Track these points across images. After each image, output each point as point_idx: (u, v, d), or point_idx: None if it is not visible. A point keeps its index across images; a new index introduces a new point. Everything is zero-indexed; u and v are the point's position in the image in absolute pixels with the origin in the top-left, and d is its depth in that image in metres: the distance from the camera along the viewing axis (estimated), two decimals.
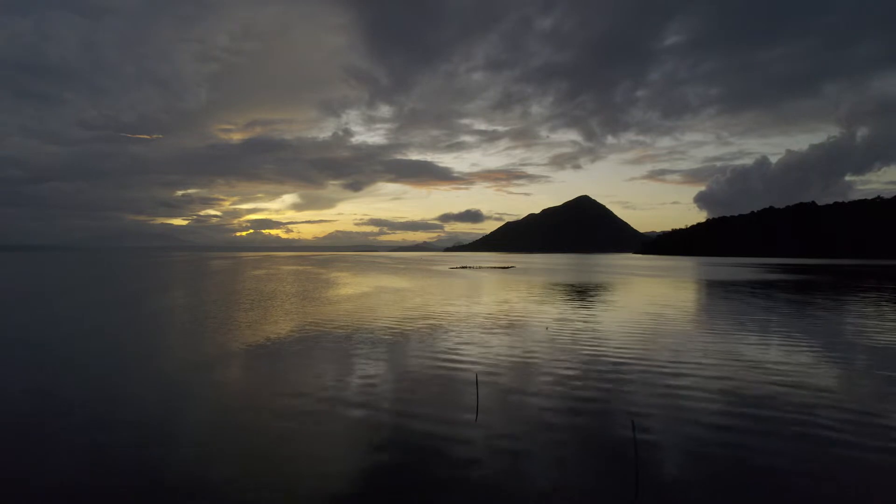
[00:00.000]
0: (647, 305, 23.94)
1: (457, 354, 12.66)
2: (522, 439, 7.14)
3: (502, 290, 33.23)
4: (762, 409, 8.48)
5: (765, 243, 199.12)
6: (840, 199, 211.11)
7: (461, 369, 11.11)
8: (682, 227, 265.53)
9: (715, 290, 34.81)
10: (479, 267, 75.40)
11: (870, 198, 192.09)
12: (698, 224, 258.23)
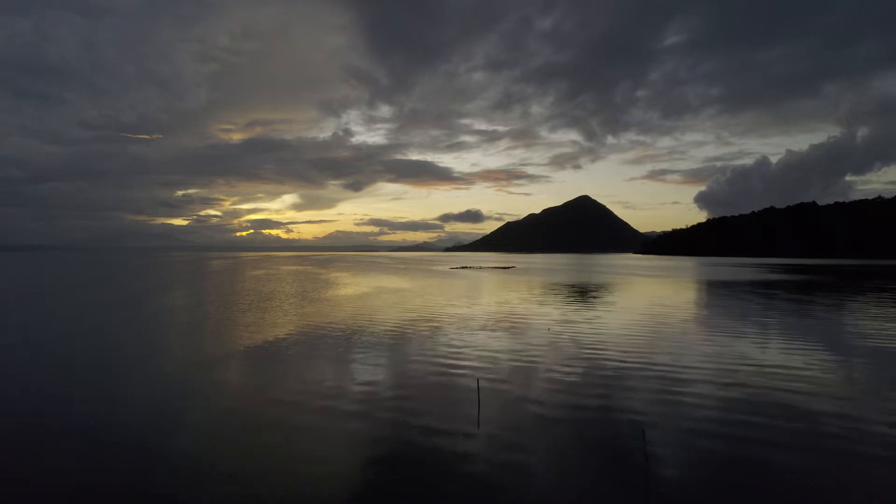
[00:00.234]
0: (649, 306, 23.86)
1: (458, 357, 12.42)
2: (526, 447, 6.89)
3: (503, 291, 33.22)
4: (770, 414, 8.38)
5: (765, 243, 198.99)
6: (840, 200, 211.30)
7: (462, 373, 10.84)
8: (683, 227, 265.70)
9: (717, 290, 34.79)
10: (480, 267, 75.37)
11: (870, 198, 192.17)
12: (698, 224, 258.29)
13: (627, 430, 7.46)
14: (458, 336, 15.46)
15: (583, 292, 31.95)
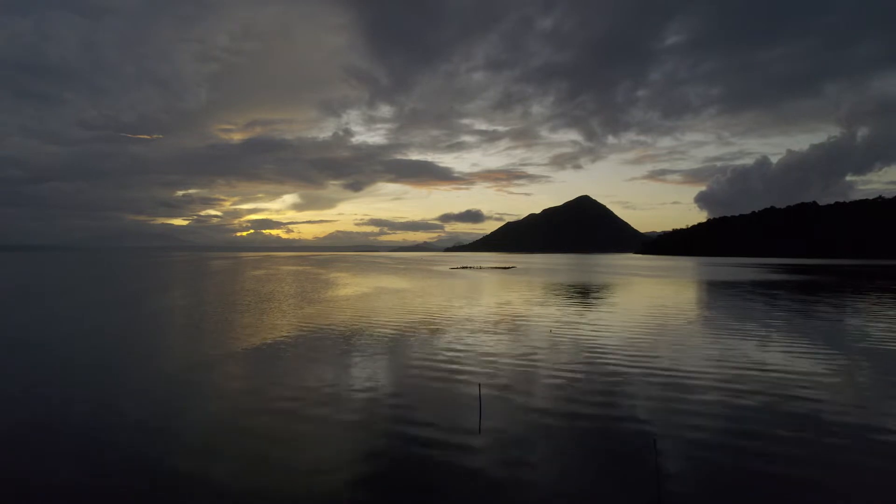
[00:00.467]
0: (651, 307, 23.75)
1: (458, 360, 12.19)
2: (529, 454, 6.66)
3: (504, 291, 33.20)
4: (781, 418, 8.33)
5: (765, 243, 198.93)
6: (841, 200, 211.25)
7: (463, 376, 10.61)
8: (683, 227, 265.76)
9: (719, 291, 34.75)
10: (480, 267, 75.38)
11: (871, 198, 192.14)
12: (699, 224, 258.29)
13: (636, 439, 7.13)
14: (459, 338, 15.24)
15: (584, 293, 31.93)
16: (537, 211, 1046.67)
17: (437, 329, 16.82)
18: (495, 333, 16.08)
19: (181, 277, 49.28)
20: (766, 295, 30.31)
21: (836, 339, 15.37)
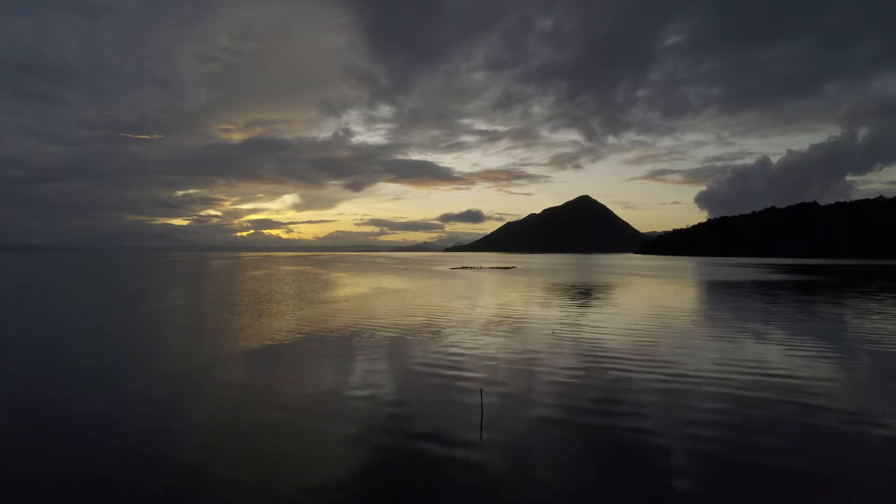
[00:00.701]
0: (654, 308, 23.52)
1: (459, 363, 11.91)
2: (533, 462, 6.46)
3: (505, 292, 33.15)
4: (788, 419, 8.27)
5: (766, 243, 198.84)
6: (841, 199, 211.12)
7: (464, 380, 10.31)
8: (683, 227, 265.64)
9: (721, 291, 34.68)
10: (480, 267, 75.30)
11: (871, 198, 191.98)
12: (699, 224, 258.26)
13: (645, 447, 6.86)
14: (460, 339, 14.96)
15: (586, 293, 31.86)
16: (537, 211, 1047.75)
17: (438, 330, 16.74)
18: (497, 335, 15.93)
19: (181, 277, 49.23)
20: (767, 295, 30.27)
21: (840, 340, 15.32)
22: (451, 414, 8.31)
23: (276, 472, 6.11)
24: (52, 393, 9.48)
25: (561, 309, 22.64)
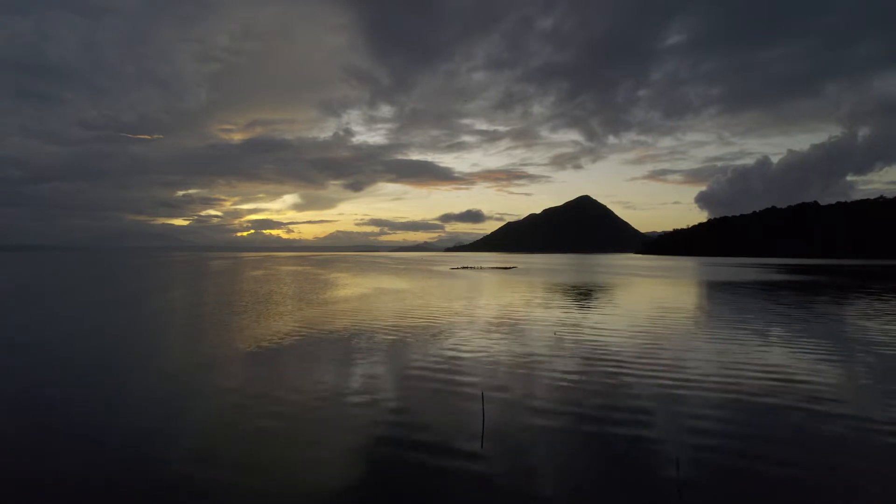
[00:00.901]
0: (655, 309, 23.44)
1: (460, 365, 11.74)
2: (535, 468, 6.29)
3: (505, 292, 33.13)
4: (793, 421, 8.27)
5: (766, 243, 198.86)
6: (842, 199, 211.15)
7: (465, 383, 10.13)
8: (684, 227, 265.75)
9: (721, 291, 34.67)
10: (481, 267, 75.28)
11: (872, 198, 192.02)
12: (699, 224, 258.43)
13: (648, 454, 6.67)
14: (461, 341, 14.81)
15: (587, 293, 31.83)
16: (538, 211, 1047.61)
17: (438, 332, 16.69)
18: (498, 336, 15.85)
19: (181, 277, 49.22)
20: (768, 295, 30.25)
21: (844, 342, 15.27)
22: (452, 418, 8.14)
23: (275, 476, 6.10)
24: (52, 393, 9.47)
25: (562, 310, 22.61)
